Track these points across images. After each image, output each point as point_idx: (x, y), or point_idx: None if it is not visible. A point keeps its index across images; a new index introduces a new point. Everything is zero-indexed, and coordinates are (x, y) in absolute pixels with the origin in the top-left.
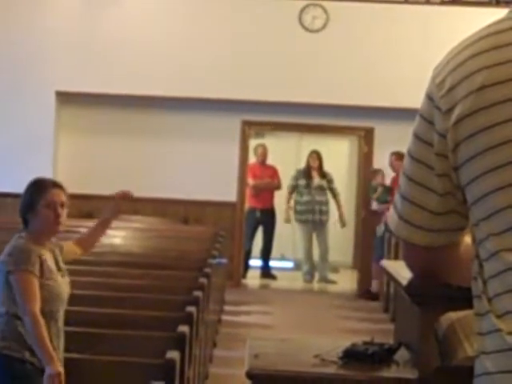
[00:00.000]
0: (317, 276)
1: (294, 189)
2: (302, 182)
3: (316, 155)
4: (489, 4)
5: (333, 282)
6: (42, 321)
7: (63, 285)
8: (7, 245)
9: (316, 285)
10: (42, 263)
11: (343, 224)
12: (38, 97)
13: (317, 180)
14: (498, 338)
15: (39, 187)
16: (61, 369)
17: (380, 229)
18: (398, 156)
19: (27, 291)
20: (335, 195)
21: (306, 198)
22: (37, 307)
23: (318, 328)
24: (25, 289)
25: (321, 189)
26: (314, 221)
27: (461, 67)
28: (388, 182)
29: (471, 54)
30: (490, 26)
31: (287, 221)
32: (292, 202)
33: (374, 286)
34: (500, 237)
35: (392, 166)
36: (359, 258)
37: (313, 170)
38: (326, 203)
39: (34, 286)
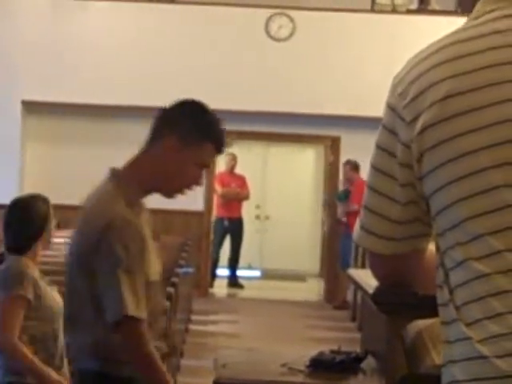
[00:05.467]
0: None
1: None
2: None
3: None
4: (454, 13)
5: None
6: (22, 346)
7: (57, 298)
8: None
9: (283, 293)
10: (35, 284)
11: None
12: (3, 106)
13: None
14: (468, 347)
15: (49, 205)
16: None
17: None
18: (352, 165)
19: (10, 318)
20: None
21: None
22: (15, 336)
23: (285, 337)
24: (8, 315)
25: None
26: None
27: (424, 76)
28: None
29: (434, 64)
30: (452, 34)
31: None
32: None
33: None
34: (467, 246)
35: (347, 176)
36: (325, 267)
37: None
38: None
39: (20, 312)
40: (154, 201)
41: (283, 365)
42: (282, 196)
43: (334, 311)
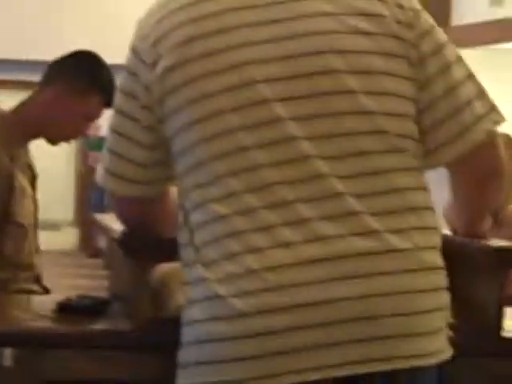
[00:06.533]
0: None
1: None
2: None
3: None
4: None
5: None
6: None
7: None
8: None
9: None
10: None
11: None
12: None
13: None
14: (206, 287)
15: None
16: None
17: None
18: None
19: None
20: None
21: None
22: None
23: None
24: None
25: None
26: None
27: (165, 20)
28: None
29: (176, 8)
30: None
31: None
32: None
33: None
34: (206, 187)
35: None
36: (79, 215)
37: None
38: None
39: None
40: None
41: (27, 310)
42: (32, 145)
43: (88, 259)
